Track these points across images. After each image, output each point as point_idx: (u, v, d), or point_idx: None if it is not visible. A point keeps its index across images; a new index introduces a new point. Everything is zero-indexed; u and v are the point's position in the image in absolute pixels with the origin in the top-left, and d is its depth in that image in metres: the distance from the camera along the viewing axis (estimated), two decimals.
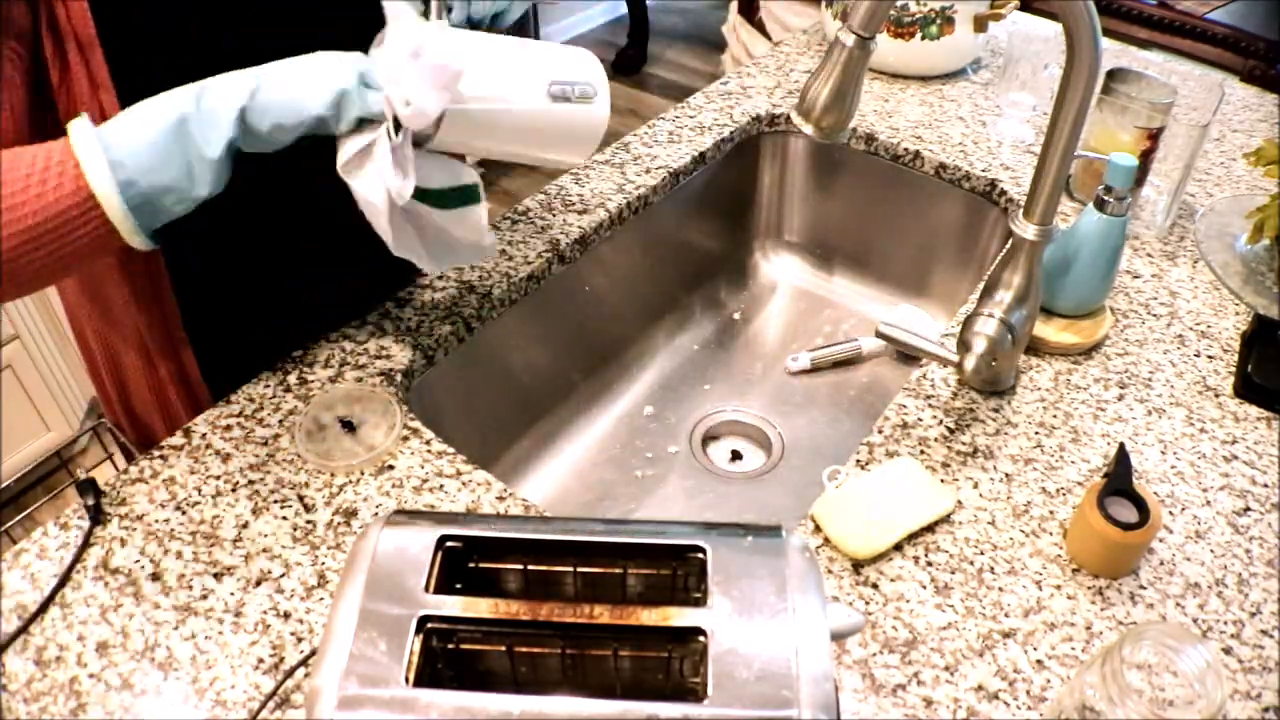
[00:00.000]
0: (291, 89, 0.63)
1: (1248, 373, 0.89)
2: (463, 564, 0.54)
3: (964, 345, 0.81)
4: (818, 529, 0.75)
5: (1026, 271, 0.80)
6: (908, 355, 1.15)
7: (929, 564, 0.73)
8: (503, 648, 0.51)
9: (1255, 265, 1.03)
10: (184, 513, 0.75)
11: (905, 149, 1.21)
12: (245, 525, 0.74)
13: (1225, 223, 1.09)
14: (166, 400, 0.90)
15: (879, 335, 0.86)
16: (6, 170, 0.58)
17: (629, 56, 3.62)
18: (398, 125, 0.63)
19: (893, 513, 0.74)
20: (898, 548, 0.74)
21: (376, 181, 0.66)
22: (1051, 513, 0.77)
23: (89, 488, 0.75)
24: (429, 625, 0.49)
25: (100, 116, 0.64)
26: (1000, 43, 1.44)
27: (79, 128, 0.59)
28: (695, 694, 0.48)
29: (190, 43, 0.70)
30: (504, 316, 1.00)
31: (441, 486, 0.78)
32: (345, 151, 0.66)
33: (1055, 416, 0.86)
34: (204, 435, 0.81)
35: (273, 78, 0.63)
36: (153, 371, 0.88)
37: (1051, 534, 0.75)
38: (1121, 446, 0.76)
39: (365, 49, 0.69)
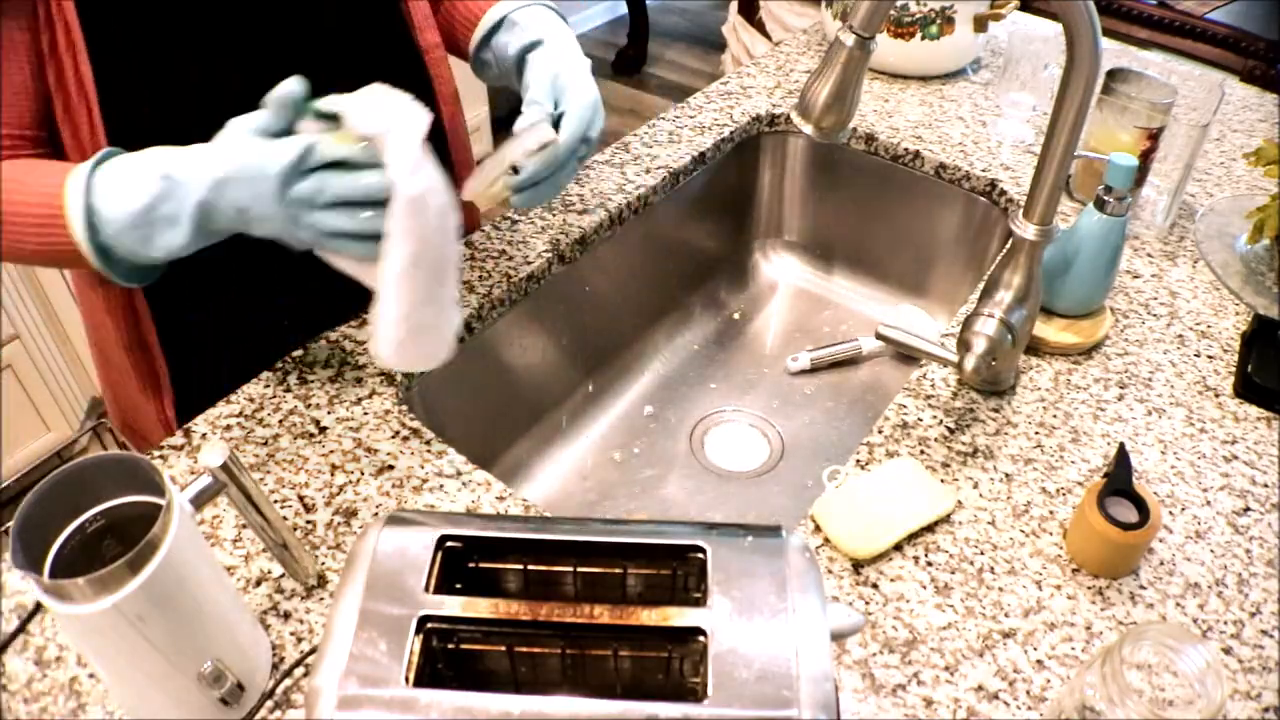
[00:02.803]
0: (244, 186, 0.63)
1: (1248, 373, 0.89)
2: (463, 564, 0.54)
3: (964, 345, 0.81)
4: (818, 529, 0.75)
5: (1026, 271, 0.80)
6: (908, 355, 1.15)
7: (929, 564, 0.73)
8: (503, 648, 0.51)
9: (1255, 265, 1.03)
10: None
11: (905, 149, 1.21)
12: (245, 525, 0.74)
13: (1225, 223, 1.09)
14: (143, 405, 0.91)
15: (879, 336, 0.86)
16: (11, 209, 0.68)
17: (629, 56, 3.62)
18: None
19: (893, 513, 0.74)
20: (898, 548, 0.74)
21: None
22: (1051, 513, 0.77)
23: None
24: (429, 625, 0.49)
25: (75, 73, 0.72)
26: (1000, 43, 1.44)
27: (72, 188, 0.66)
28: (695, 694, 0.48)
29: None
30: (504, 316, 1.00)
31: (441, 486, 0.78)
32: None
33: (1055, 416, 0.86)
34: (204, 435, 0.81)
35: (229, 181, 0.63)
36: (130, 376, 0.90)
37: (1051, 534, 0.75)
38: (1121, 446, 0.76)
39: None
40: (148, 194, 0.64)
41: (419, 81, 0.93)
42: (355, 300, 0.84)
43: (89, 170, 0.66)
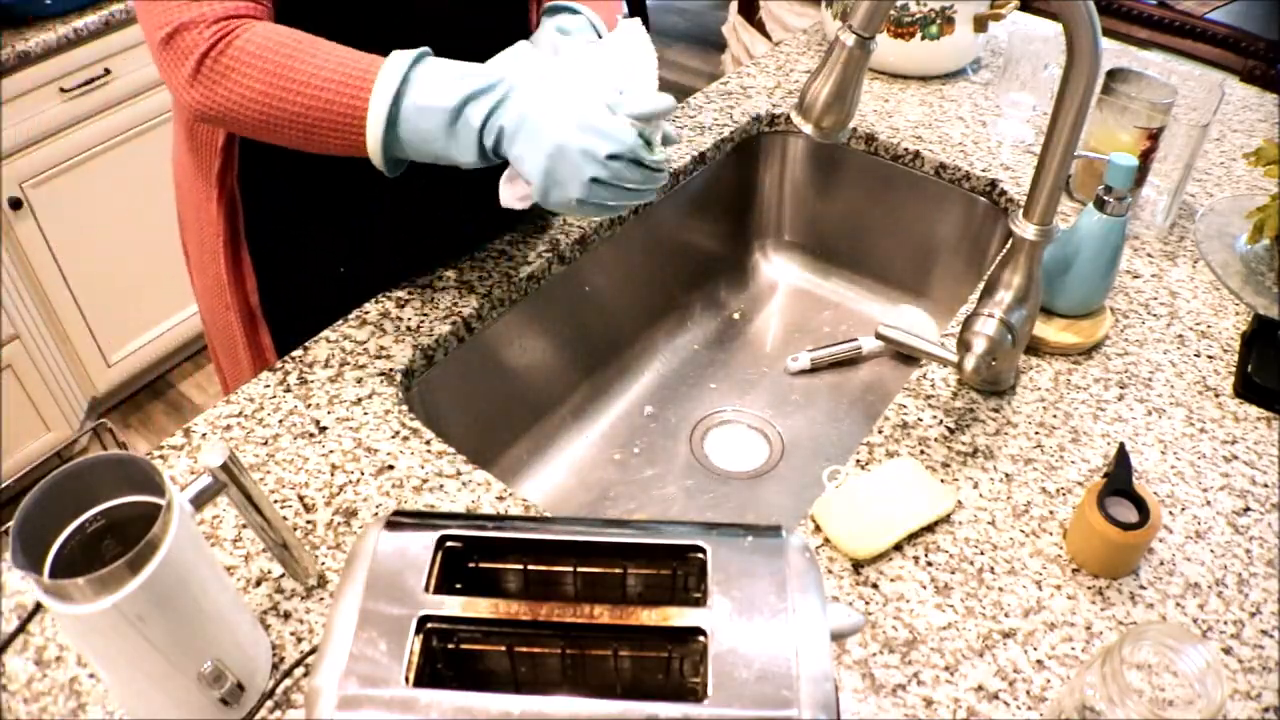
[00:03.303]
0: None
1: (1248, 373, 0.89)
2: (463, 564, 0.54)
3: (964, 345, 0.81)
4: (818, 529, 0.75)
5: (1026, 271, 0.80)
6: (908, 355, 1.15)
7: (929, 564, 0.73)
8: (503, 648, 0.51)
9: (1255, 265, 1.03)
10: None
11: (905, 149, 1.21)
12: (245, 525, 0.74)
13: (1225, 223, 1.09)
14: (232, 332, 0.98)
15: (879, 336, 0.86)
16: (328, 66, 0.73)
17: None
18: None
19: (893, 513, 0.74)
20: (898, 548, 0.74)
21: None
22: (1051, 513, 0.77)
23: None
24: (429, 625, 0.49)
25: None
26: (1000, 43, 1.44)
27: (389, 73, 0.72)
28: (695, 694, 0.48)
29: None
30: (504, 316, 1.00)
31: (441, 486, 0.78)
32: None
33: (1055, 416, 0.86)
34: (204, 435, 0.81)
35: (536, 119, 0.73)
36: (222, 295, 0.96)
37: (1051, 534, 0.75)
38: (1121, 446, 0.76)
39: None
40: (456, 109, 0.72)
41: None
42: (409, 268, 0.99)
43: (410, 61, 0.73)
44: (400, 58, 0.73)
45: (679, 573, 0.54)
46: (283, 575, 0.70)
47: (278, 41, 0.73)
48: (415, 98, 0.72)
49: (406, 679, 0.47)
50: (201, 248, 0.96)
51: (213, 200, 0.90)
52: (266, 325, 0.97)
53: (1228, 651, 0.68)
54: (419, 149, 0.75)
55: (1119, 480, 0.72)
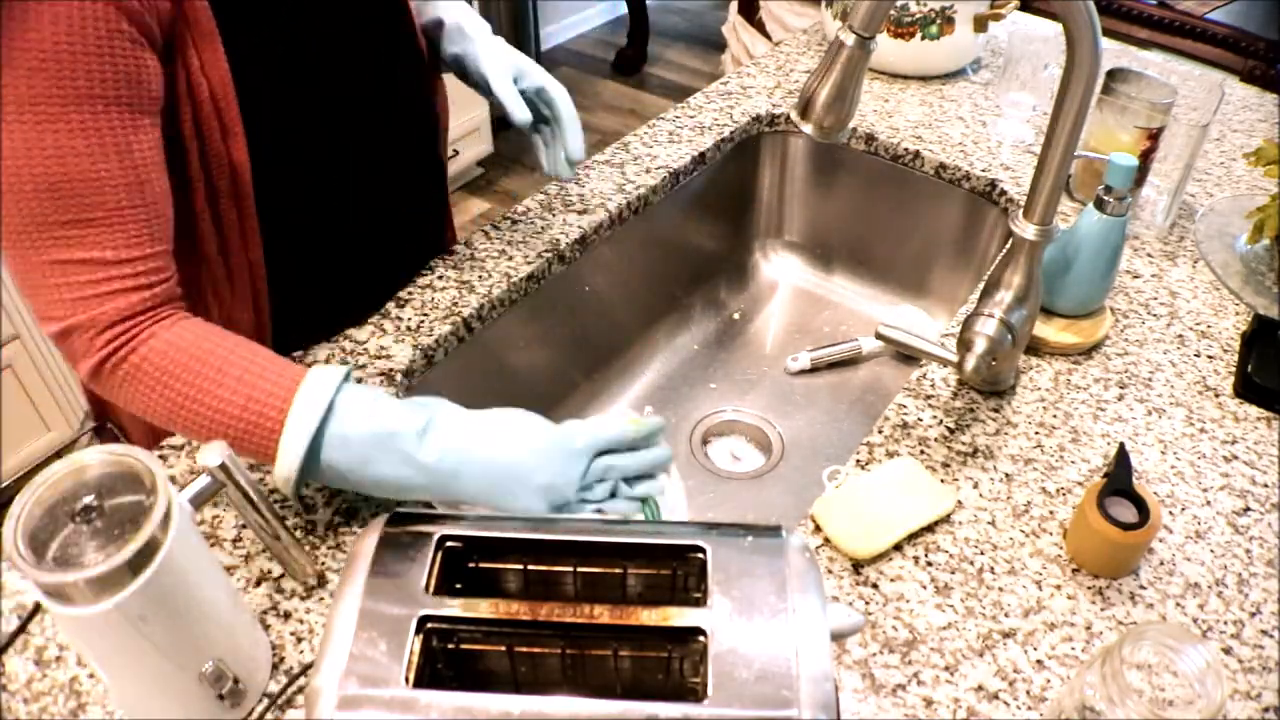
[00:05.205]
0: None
1: (1248, 373, 0.89)
2: (463, 564, 0.54)
3: (964, 345, 0.81)
4: (818, 529, 0.75)
5: (1026, 271, 0.80)
6: (908, 355, 1.15)
7: (929, 564, 0.73)
8: (503, 648, 0.51)
9: (1255, 265, 1.03)
10: None
11: (905, 149, 1.21)
12: (245, 525, 0.74)
13: (1225, 223, 1.09)
14: None
15: (879, 336, 0.86)
16: (235, 402, 0.66)
17: (629, 56, 3.62)
18: None
19: (893, 513, 0.74)
20: (898, 548, 0.74)
21: None
22: (1051, 513, 0.77)
23: None
24: (429, 625, 0.49)
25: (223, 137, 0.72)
26: (1000, 43, 1.44)
27: (301, 417, 0.65)
28: (695, 694, 0.48)
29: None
30: (504, 316, 1.00)
31: None
32: None
33: (1055, 416, 0.86)
34: None
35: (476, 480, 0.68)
36: None
37: (1051, 534, 0.75)
38: (1121, 446, 0.76)
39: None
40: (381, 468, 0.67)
41: (426, 84, 0.94)
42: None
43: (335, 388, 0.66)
44: (310, 411, 0.65)
45: (679, 573, 0.54)
46: (283, 575, 0.70)
47: (181, 363, 0.66)
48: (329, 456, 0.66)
49: (406, 679, 0.47)
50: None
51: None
52: None
53: (1228, 651, 0.68)
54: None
55: (1119, 480, 0.72)
